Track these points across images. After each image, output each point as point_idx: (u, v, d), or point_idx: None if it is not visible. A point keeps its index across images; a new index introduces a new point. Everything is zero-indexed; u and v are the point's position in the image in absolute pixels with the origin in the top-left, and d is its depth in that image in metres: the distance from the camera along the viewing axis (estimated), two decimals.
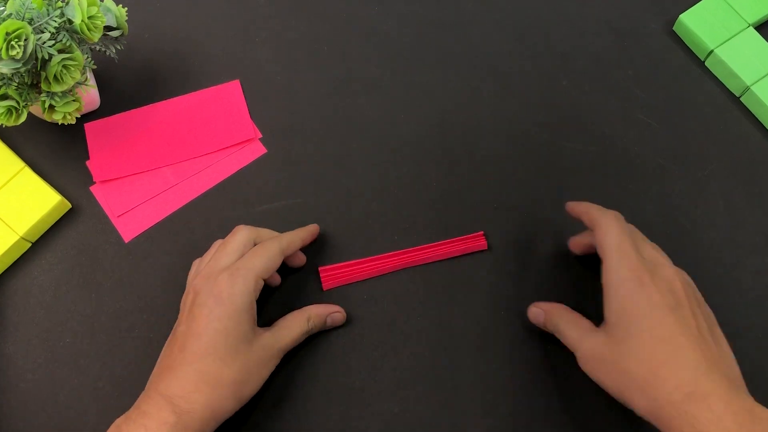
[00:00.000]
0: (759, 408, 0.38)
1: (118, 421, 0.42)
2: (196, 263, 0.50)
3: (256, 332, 0.45)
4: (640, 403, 0.40)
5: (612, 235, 0.45)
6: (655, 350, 0.40)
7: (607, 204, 0.55)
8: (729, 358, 0.43)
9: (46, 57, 0.47)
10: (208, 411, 0.42)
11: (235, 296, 0.44)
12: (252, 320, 0.45)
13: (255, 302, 0.46)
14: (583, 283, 0.52)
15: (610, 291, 0.43)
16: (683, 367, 0.40)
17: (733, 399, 0.38)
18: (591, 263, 0.53)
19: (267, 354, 0.46)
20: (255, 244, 0.48)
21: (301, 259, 0.52)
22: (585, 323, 0.46)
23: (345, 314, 0.50)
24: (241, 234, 0.48)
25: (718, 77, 0.60)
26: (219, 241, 0.49)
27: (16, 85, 0.48)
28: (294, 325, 0.48)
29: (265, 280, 0.47)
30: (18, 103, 0.48)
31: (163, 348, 0.46)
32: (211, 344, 0.43)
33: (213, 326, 0.43)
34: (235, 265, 0.46)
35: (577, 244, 0.52)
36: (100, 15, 0.49)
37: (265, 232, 0.50)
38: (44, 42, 0.47)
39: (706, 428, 0.37)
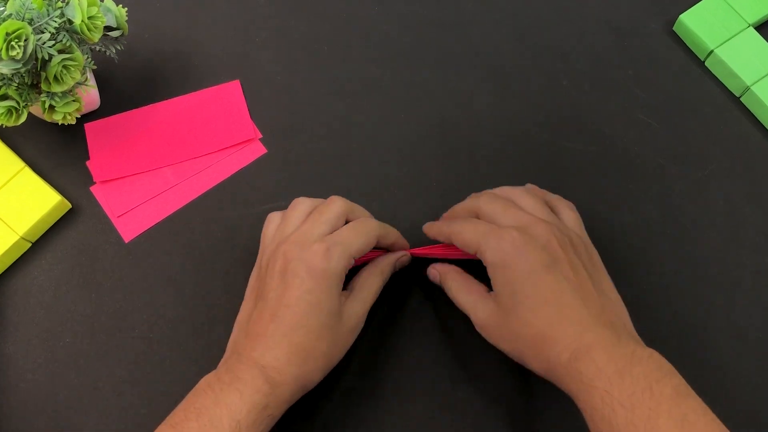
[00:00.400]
0: (640, 348, 0.39)
1: (209, 378, 0.41)
2: (275, 219, 0.48)
3: (342, 302, 0.45)
4: (536, 365, 0.42)
5: (468, 234, 0.45)
6: (540, 313, 0.41)
7: (607, 204, 0.55)
8: (614, 306, 0.43)
9: (46, 57, 0.47)
10: (298, 383, 0.42)
11: (328, 271, 0.43)
12: (340, 293, 0.44)
13: (344, 277, 0.45)
14: None
15: (489, 265, 0.43)
16: (568, 325, 0.40)
17: (615, 347, 0.39)
18: None
19: (355, 321, 0.45)
20: (347, 221, 0.47)
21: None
22: (477, 288, 0.46)
23: (409, 256, 0.51)
24: (337, 205, 0.47)
25: (718, 77, 0.60)
26: (301, 199, 0.48)
27: (16, 85, 0.48)
28: (371, 283, 0.47)
29: None
30: (18, 103, 0.48)
31: (246, 310, 0.46)
32: (303, 317, 0.42)
33: (305, 299, 0.42)
34: (332, 238, 0.44)
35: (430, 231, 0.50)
36: (100, 15, 0.49)
37: (359, 209, 0.49)
38: (44, 42, 0.47)
39: (591, 382, 0.38)
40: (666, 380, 0.37)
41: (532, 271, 0.42)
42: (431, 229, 0.50)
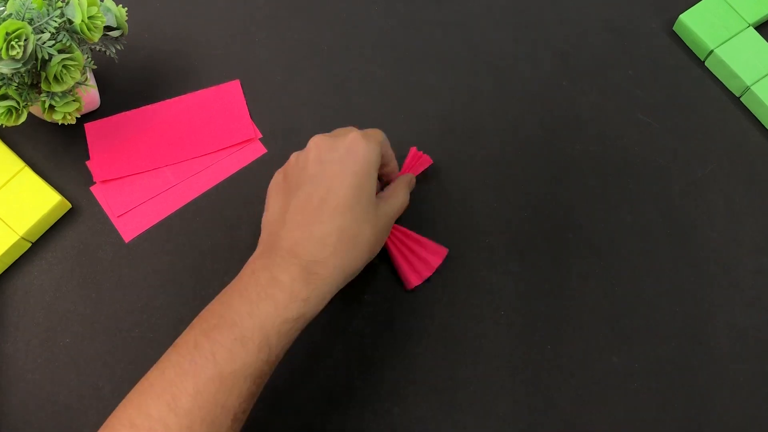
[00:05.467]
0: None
1: (245, 278, 0.40)
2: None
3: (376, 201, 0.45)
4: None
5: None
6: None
7: (608, 204, 0.55)
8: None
9: (46, 57, 0.47)
10: (343, 274, 0.41)
11: (369, 155, 0.43)
12: (375, 187, 0.44)
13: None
14: (584, 281, 0.53)
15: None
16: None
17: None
18: (592, 262, 0.53)
19: (386, 222, 0.45)
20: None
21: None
22: None
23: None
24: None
25: (718, 77, 0.60)
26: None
27: (16, 85, 0.48)
28: (399, 192, 0.48)
29: None
30: (18, 103, 0.48)
31: (276, 207, 0.44)
32: (351, 199, 0.41)
33: (348, 181, 0.42)
34: (363, 131, 0.45)
35: None
36: (100, 15, 0.49)
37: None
38: (44, 42, 0.47)
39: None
40: None
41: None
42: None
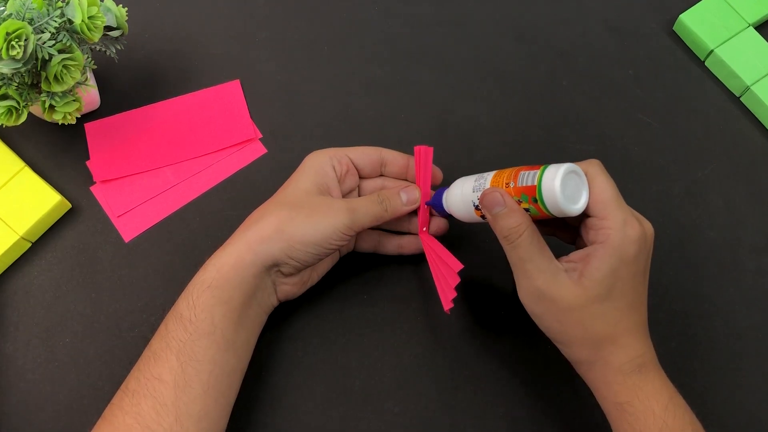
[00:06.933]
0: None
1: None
2: None
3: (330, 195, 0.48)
4: (581, 355, 0.41)
5: (611, 191, 0.40)
6: (624, 316, 0.40)
7: None
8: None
9: (47, 57, 0.47)
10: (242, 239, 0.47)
11: (307, 163, 0.49)
12: (322, 180, 0.48)
13: (329, 173, 0.48)
14: None
15: (608, 251, 0.39)
16: (640, 337, 0.41)
17: (660, 368, 0.41)
18: None
19: (333, 212, 0.45)
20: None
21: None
22: (554, 261, 0.41)
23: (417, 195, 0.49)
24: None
25: (718, 77, 0.60)
26: None
27: (16, 85, 0.48)
28: (364, 200, 0.47)
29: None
30: (18, 103, 0.48)
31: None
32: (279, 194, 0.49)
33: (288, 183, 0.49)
34: None
35: None
36: (100, 15, 0.49)
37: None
38: (44, 42, 0.47)
39: (648, 401, 0.39)
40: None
41: (637, 275, 0.40)
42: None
